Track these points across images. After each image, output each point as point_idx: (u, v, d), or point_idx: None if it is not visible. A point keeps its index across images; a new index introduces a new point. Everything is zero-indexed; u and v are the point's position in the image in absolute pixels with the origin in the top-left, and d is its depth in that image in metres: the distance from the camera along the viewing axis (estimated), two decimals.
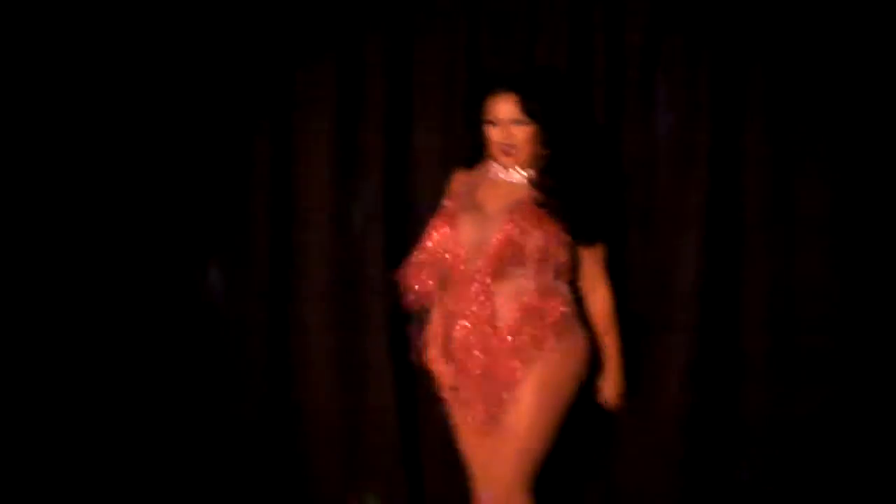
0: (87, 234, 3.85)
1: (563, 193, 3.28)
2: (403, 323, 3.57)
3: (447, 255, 3.30)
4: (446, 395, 3.37)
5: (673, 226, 3.71)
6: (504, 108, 3.28)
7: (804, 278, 3.68)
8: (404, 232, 3.74)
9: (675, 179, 3.70)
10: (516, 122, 3.28)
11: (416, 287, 3.36)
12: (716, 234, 3.69)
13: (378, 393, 3.80)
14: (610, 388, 3.39)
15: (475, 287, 3.25)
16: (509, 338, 3.23)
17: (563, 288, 3.31)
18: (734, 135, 3.68)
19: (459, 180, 3.43)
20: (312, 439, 3.85)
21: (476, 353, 3.26)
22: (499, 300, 3.25)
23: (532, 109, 3.27)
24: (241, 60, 3.82)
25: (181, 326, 3.88)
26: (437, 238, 3.32)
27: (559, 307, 3.27)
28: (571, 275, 3.33)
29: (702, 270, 3.68)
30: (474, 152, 3.42)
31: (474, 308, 3.25)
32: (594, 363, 3.36)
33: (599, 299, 3.35)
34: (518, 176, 3.35)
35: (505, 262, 3.24)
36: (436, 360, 3.36)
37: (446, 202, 3.38)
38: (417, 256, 3.35)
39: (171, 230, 3.86)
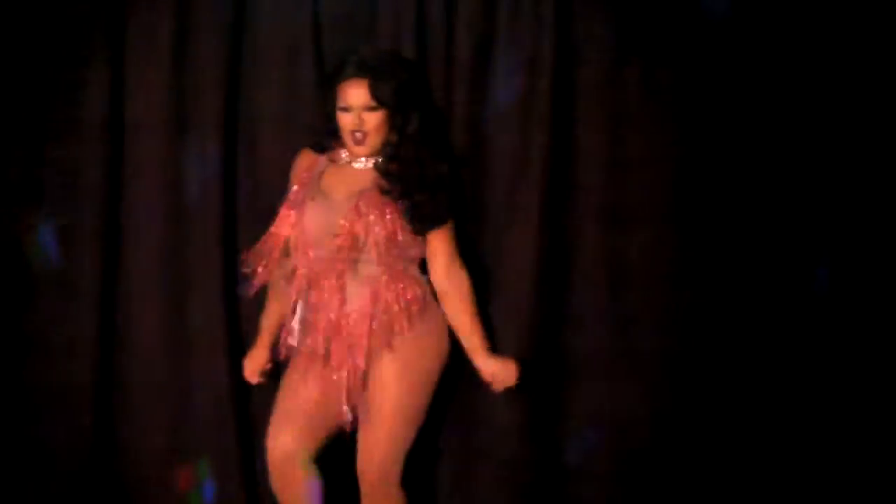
0: None
1: (405, 179, 3.30)
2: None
3: (294, 242, 3.30)
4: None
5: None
6: (356, 94, 3.26)
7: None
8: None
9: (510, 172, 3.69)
10: (368, 108, 3.26)
11: (260, 272, 3.36)
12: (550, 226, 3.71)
13: (210, 364, 3.73)
14: (499, 371, 3.38)
15: (323, 274, 3.27)
16: (359, 324, 3.27)
17: (415, 272, 3.35)
18: (568, 125, 3.68)
19: (306, 161, 3.41)
20: (138, 410, 3.77)
21: (325, 338, 3.30)
22: (349, 288, 3.28)
23: (384, 94, 3.25)
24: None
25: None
26: (283, 225, 3.31)
27: (410, 291, 3.30)
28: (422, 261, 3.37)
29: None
30: (326, 138, 3.40)
31: (325, 295, 3.27)
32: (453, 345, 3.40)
33: (455, 285, 3.36)
34: (364, 163, 3.35)
35: (351, 249, 3.26)
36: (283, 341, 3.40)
37: (293, 187, 3.36)
38: (264, 242, 3.33)
39: None
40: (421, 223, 3.32)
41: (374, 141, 3.33)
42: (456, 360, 3.44)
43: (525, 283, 3.64)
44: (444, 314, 3.36)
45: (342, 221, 3.25)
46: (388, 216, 3.28)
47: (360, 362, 3.29)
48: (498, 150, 3.66)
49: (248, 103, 3.69)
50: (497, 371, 3.38)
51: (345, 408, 3.33)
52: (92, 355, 3.71)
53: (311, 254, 3.30)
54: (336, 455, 3.46)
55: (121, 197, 3.71)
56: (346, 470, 3.46)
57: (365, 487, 3.35)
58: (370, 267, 3.29)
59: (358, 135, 3.31)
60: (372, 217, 3.27)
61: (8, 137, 3.71)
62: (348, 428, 3.37)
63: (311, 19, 3.65)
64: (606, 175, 3.66)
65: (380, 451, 3.31)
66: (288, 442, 3.33)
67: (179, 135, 3.69)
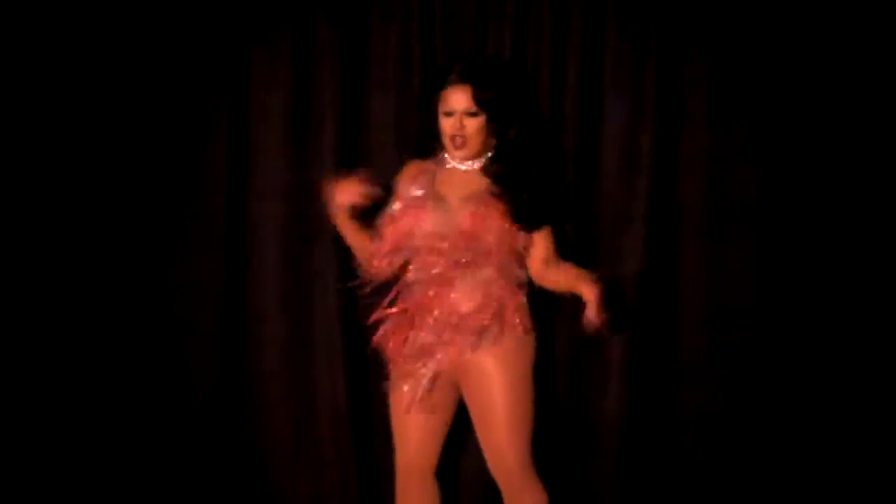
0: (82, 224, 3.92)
1: (510, 181, 3.40)
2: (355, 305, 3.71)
3: (413, 244, 3.41)
4: (395, 371, 3.48)
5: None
6: (458, 99, 3.36)
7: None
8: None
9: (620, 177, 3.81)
10: (469, 113, 3.37)
11: (381, 273, 3.48)
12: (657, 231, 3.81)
13: (330, 376, 3.89)
14: (592, 311, 3.39)
15: (439, 275, 3.38)
16: (471, 324, 3.37)
17: (522, 274, 3.45)
18: (675, 132, 3.79)
19: (413, 169, 3.52)
20: (263, 425, 3.94)
21: (435, 336, 3.40)
22: (463, 288, 3.38)
23: (485, 100, 3.36)
24: (197, 38, 3.88)
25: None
26: (404, 226, 3.43)
27: (519, 294, 3.41)
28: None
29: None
30: (426, 142, 3.51)
31: (435, 295, 3.39)
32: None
33: (550, 280, 3.45)
34: (471, 165, 3.46)
35: (469, 251, 3.37)
36: (390, 338, 3.47)
37: (408, 190, 3.47)
38: (384, 244, 3.46)
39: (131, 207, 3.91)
40: (524, 223, 3.41)
41: (474, 145, 3.42)
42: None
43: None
44: (534, 322, 3.48)
45: (461, 225, 3.37)
46: (501, 218, 3.38)
47: (467, 356, 3.39)
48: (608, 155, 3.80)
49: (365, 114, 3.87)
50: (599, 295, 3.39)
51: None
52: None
53: (428, 256, 3.41)
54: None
55: (246, 210, 3.91)
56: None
57: (506, 487, 3.45)
58: (484, 269, 3.40)
59: (458, 139, 3.40)
60: (487, 218, 3.38)
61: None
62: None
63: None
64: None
65: (511, 451, 3.39)
66: (413, 459, 3.49)
67: (298, 158, 3.88)
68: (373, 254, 3.49)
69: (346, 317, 3.83)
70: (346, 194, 3.43)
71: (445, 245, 3.38)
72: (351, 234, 3.53)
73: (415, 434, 3.49)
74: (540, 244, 3.47)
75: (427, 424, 3.49)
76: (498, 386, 3.40)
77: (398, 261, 3.46)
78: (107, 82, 3.88)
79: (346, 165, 3.74)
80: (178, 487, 3.95)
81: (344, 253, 3.70)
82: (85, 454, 3.94)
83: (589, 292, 3.35)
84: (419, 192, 3.47)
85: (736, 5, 3.77)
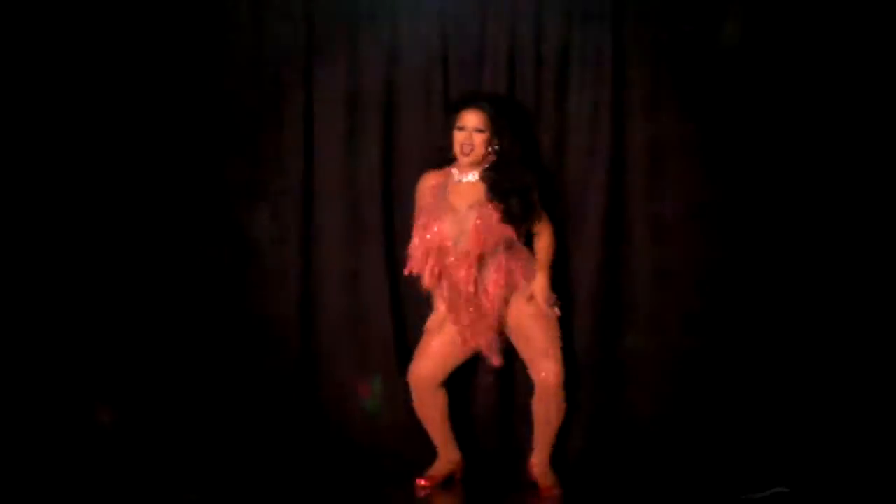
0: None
1: (501, 187, 4.45)
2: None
3: (440, 248, 4.43)
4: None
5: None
6: (471, 118, 4.45)
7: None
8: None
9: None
10: (478, 129, 4.44)
11: (425, 273, 4.49)
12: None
13: (377, 301, 4.93)
14: (546, 293, 4.52)
15: (463, 271, 4.44)
16: (494, 297, 4.48)
17: (522, 248, 4.55)
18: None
19: (431, 180, 4.55)
20: (327, 336, 4.97)
21: (471, 310, 4.49)
22: (485, 276, 4.46)
23: (491, 120, 4.44)
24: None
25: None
26: (432, 234, 4.43)
27: (522, 257, 4.53)
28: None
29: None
30: (443, 151, 4.54)
31: (468, 287, 4.44)
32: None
33: (543, 247, 4.59)
34: (473, 177, 4.50)
35: (481, 248, 4.44)
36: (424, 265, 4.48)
37: (429, 202, 4.47)
38: (418, 249, 4.47)
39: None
40: (513, 221, 4.47)
41: (478, 154, 4.44)
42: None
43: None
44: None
45: (473, 229, 4.38)
46: (497, 219, 4.41)
47: (496, 329, 4.50)
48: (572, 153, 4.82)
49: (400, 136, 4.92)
50: (545, 290, 4.51)
51: (495, 356, 4.57)
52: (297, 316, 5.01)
53: (451, 257, 4.42)
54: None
55: (312, 208, 4.97)
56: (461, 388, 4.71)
57: (544, 393, 4.48)
58: (496, 256, 4.46)
59: (466, 147, 4.43)
60: (491, 219, 4.42)
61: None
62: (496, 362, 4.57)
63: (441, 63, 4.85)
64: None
65: (551, 364, 4.46)
66: (423, 370, 4.58)
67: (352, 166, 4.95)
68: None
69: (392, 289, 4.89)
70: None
71: (463, 247, 4.38)
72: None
73: (436, 349, 4.51)
74: (539, 230, 4.54)
75: (450, 348, 4.52)
76: (529, 321, 4.50)
77: (433, 263, 4.42)
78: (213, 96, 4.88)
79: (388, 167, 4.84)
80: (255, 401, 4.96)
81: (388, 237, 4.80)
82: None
83: (540, 285, 4.51)
84: (433, 204, 4.42)
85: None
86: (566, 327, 4.70)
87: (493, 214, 4.46)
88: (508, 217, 4.47)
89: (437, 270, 4.47)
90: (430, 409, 4.66)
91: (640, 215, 4.85)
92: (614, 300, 4.88)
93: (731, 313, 4.83)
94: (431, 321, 4.62)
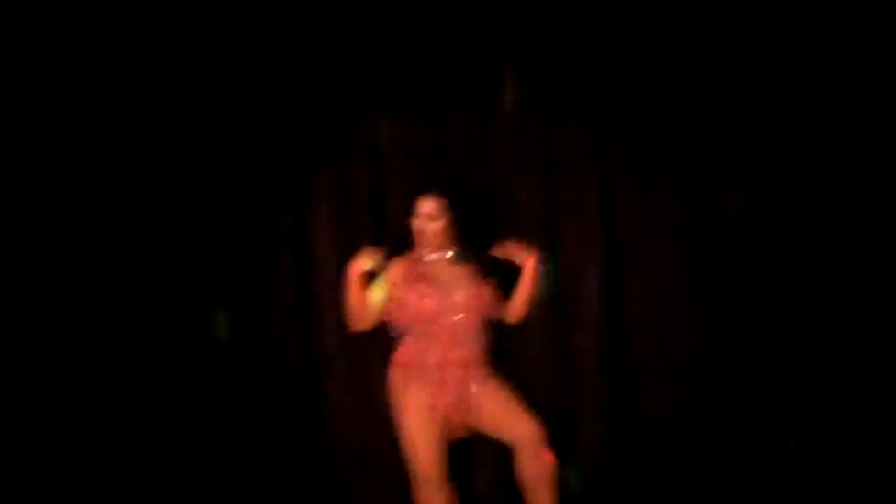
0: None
1: (478, 258, 4.63)
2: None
3: (424, 317, 4.50)
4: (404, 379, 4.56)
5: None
6: (426, 206, 4.58)
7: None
8: None
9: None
10: (431, 217, 4.56)
11: (410, 348, 4.56)
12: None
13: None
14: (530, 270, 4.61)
15: (447, 336, 4.51)
16: (471, 358, 4.54)
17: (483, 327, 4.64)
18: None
19: (400, 265, 4.59)
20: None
21: (454, 375, 4.53)
22: (469, 339, 4.55)
23: (444, 207, 4.58)
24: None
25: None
26: (416, 306, 4.51)
27: (485, 341, 4.61)
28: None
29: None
30: (402, 240, 4.65)
31: (454, 350, 4.51)
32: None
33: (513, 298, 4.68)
34: (444, 256, 4.61)
35: (472, 313, 4.56)
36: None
37: (406, 279, 4.53)
38: (400, 320, 4.56)
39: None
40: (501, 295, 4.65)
41: (435, 239, 4.55)
42: None
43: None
44: None
45: (463, 298, 4.50)
46: (485, 285, 4.55)
47: (475, 385, 4.52)
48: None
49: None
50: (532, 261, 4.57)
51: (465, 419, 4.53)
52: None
53: (434, 324, 4.47)
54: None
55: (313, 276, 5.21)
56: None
57: (524, 449, 4.45)
58: (479, 323, 4.55)
59: (420, 234, 4.54)
60: (478, 287, 4.54)
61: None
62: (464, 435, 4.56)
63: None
64: None
65: (524, 418, 4.47)
66: (423, 473, 4.49)
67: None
68: (361, 317, 4.53)
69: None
70: (364, 261, 4.49)
71: (450, 315, 4.48)
72: (356, 291, 4.50)
73: (425, 448, 4.45)
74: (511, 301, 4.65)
75: (435, 440, 4.46)
76: (496, 390, 4.53)
77: (413, 331, 4.51)
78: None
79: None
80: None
81: None
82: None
83: (528, 260, 4.57)
84: (415, 278, 4.50)
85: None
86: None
87: (483, 287, 4.60)
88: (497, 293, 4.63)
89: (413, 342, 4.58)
90: None
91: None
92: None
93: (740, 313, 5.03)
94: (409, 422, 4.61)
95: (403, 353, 4.61)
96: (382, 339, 4.73)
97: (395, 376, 4.61)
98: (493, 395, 4.57)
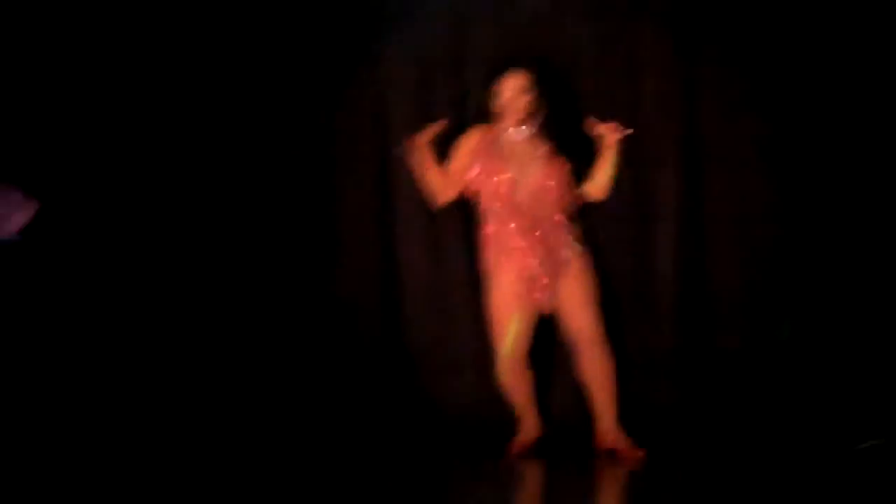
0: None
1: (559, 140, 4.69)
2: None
3: (511, 198, 4.59)
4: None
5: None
6: (517, 79, 4.64)
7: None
8: None
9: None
10: (522, 90, 4.62)
11: (496, 225, 4.65)
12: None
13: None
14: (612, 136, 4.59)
15: (529, 211, 4.60)
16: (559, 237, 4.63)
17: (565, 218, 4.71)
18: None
19: (476, 137, 4.68)
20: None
21: (538, 258, 4.61)
22: (551, 214, 4.63)
23: (534, 82, 4.64)
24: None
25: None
26: (501, 186, 4.60)
27: (571, 230, 4.69)
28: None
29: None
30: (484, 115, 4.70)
31: (537, 234, 4.59)
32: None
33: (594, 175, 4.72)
34: (525, 133, 4.66)
35: (550, 196, 4.62)
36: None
37: (483, 152, 4.63)
38: (492, 202, 4.64)
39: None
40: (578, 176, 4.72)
41: (521, 114, 4.63)
42: None
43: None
44: None
45: (540, 180, 4.58)
46: (562, 167, 4.63)
47: (565, 251, 4.61)
48: None
49: None
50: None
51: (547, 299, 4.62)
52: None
53: (520, 206, 4.58)
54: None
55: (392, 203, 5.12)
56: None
57: (586, 348, 4.59)
58: (548, 199, 4.62)
59: (511, 109, 4.61)
60: (555, 169, 4.62)
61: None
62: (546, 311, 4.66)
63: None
64: None
65: (589, 316, 4.59)
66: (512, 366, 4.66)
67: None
68: (440, 187, 4.63)
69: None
70: (424, 135, 4.60)
71: (529, 196, 4.57)
72: (428, 166, 4.63)
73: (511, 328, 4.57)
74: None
75: (522, 314, 4.58)
76: (576, 280, 4.62)
77: (504, 212, 4.59)
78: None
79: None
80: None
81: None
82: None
83: (613, 139, 4.57)
84: (493, 158, 4.60)
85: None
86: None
87: (560, 165, 4.66)
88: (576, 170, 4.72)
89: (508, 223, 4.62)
90: (516, 383, 4.73)
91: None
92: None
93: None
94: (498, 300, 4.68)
95: (491, 228, 4.70)
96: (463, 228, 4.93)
97: (487, 251, 4.73)
98: (574, 278, 4.66)
